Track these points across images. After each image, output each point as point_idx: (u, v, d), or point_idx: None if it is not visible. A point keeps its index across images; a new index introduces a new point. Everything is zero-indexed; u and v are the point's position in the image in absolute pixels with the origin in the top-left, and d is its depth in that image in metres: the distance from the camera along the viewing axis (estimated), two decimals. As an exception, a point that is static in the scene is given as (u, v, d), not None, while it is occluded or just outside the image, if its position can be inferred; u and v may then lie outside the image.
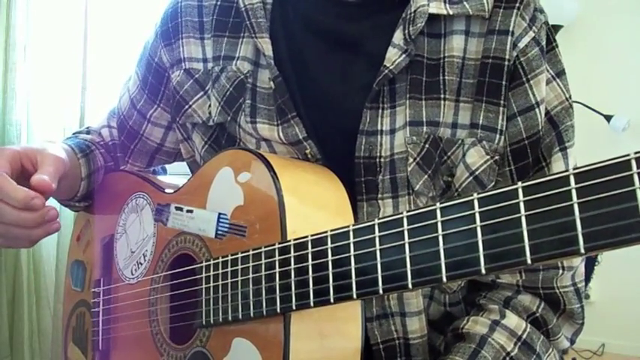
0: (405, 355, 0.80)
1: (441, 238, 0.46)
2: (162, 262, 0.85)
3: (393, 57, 0.76)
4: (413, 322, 0.78)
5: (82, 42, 2.28)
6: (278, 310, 0.64)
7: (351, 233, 0.57)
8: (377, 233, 0.55)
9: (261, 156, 0.73)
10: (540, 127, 0.77)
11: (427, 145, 0.76)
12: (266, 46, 0.80)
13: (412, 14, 0.76)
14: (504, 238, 0.44)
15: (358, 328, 0.68)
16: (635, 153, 0.37)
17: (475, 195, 0.46)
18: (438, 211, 0.48)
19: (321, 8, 0.82)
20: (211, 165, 0.80)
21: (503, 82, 0.76)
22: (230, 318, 0.71)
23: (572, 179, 0.40)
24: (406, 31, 0.76)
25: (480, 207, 0.45)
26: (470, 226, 0.46)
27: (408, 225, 0.51)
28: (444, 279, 0.47)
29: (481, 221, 0.45)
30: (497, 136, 0.76)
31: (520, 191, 0.43)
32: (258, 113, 0.81)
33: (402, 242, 0.52)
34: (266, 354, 0.67)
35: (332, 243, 0.59)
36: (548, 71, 0.79)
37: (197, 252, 0.79)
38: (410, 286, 0.50)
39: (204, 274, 0.76)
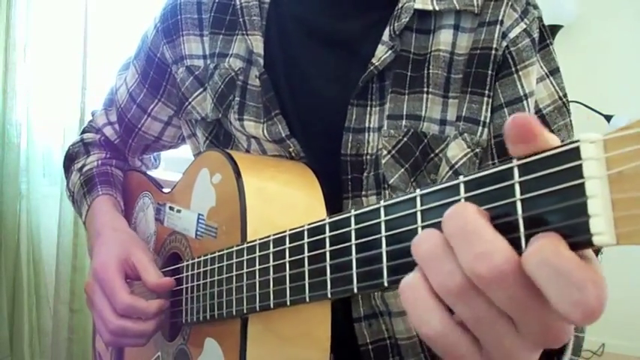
0: (397, 354, 0.78)
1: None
2: (160, 259, 0.87)
3: (380, 53, 0.75)
4: (398, 323, 0.77)
5: (82, 42, 2.28)
6: (234, 313, 0.65)
7: (306, 233, 0.54)
8: (327, 233, 0.51)
9: (230, 157, 0.73)
10: None
11: (405, 139, 0.75)
12: (256, 43, 0.81)
13: (399, 10, 0.76)
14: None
15: (326, 330, 0.67)
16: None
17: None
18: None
19: (314, 7, 0.82)
20: (195, 165, 0.81)
21: (489, 72, 0.74)
22: (201, 318, 0.72)
23: (515, 171, 0.35)
24: (391, 27, 0.76)
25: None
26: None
27: (356, 224, 0.48)
28: (385, 284, 0.44)
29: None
30: (480, 128, 0.74)
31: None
32: (246, 111, 0.81)
33: (349, 244, 0.48)
34: (228, 355, 0.67)
35: (290, 243, 0.57)
36: (542, 68, 0.77)
37: (183, 251, 0.80)
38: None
39: (184, 274, 0.77)
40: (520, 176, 0.35)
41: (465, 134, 0.74)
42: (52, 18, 2.29)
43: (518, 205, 0.35)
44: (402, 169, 0.75)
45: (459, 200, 0.38)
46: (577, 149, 0.31)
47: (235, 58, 0.84)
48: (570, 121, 0.78)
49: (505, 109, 0.75)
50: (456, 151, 0.74)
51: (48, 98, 2.29)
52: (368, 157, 0.76)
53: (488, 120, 0.74)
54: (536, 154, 0.34)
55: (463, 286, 0.36)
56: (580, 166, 0.31)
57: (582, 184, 0.31)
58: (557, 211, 0.32)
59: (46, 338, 2.31)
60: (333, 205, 0.72)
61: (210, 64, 0.85)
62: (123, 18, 2.35)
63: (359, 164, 0.76)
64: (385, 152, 0.75)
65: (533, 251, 0.33)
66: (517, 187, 0.35)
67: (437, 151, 0.76)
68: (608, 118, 2.43)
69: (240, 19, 0.82)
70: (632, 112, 2.48)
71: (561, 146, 0.32)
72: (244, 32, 0.81)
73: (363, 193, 0.76)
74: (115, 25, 2.33)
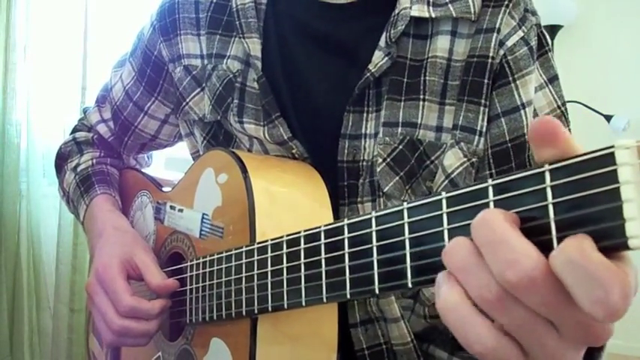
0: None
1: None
2: (160, 259, 0.86)
3: (376, 60, 0.75)
4: (392, 329, 0.76)
5: (82, 42, 2.27)
6: (244, 313, 0.64)
7: (322, 234, 0.54)
8: (345, 235, 0.52)
9: (237, 157, 0.72)
10: (526, 131, 0.74)
11: (400, 147, 0.75)
12: (253, 46, 0.81)
13: (395, 17, 0.75)
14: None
15: (333, 329, 0.67)
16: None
17: (444, 194, 0.42)
18: (405, 212, 0.45)
19: (312, 11, 0.82)
20: (198, 165, 0.81)
21: (486, 81, 0.73)
22: (207, 318, 0.71)
23: (547, 176, 0.35)
24: (387, 34, 0.75)
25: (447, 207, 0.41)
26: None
27: (377, 226, 0.48)
28: (410, 284, 0.45)
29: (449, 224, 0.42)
30: (477, 137, 0.74)
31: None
32: (245, 113, 0.81)
33: (370, 245, 0.49)
34: (236, 355, 0.67)
35: (305, 244, 0.56)
36: (541, 76, 0.76)
37: (186, 251, 0.80)
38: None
39: (188, 274, 0.77)
40: (552, 180, 0.35)
41: (462, 143, 0.74)
42: (52, 18, 2.28)
43: (550, 208, 0.35)
44: (397, 177, 0.75)
45: (488, 203, 0.38)
46: (612, 155, 0.32)
47: (233, 59, 0.83)
48: (569, 130, 0.77)
49: (502, 119, 0.74)
50: (452, 160, 0.74)
51: (48, 98, 2.28)
52: (364, 163, 0.76)
53: (484, 129, 0.74)
54: (567, 159, 0.34)
55: (500, 297, 0.36)
56: (615, 171, 0.32)
57: (617, 189, 0.31)
58: (590, 214, 0.33)
59: (46, 338, 2.30)
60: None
61: (208, 65, 0.85)
62: (123, 18, 2.34)
63: (355, 171, 0.76)
64: (380, 160, 0.75)
65: (558, 251, 0.34)
66: (549, 191, 0.35)
67: (432, 158, 0.75)
68: (608, 118, 2.44)
69: (237, 22, 0.82)
70: (632, 112, 2.48)
71: (595, 152, 0.33)
72: (241, 35, 0.81)
73: (359, 199, 0.76)
74: (115, 25, 2.33)
